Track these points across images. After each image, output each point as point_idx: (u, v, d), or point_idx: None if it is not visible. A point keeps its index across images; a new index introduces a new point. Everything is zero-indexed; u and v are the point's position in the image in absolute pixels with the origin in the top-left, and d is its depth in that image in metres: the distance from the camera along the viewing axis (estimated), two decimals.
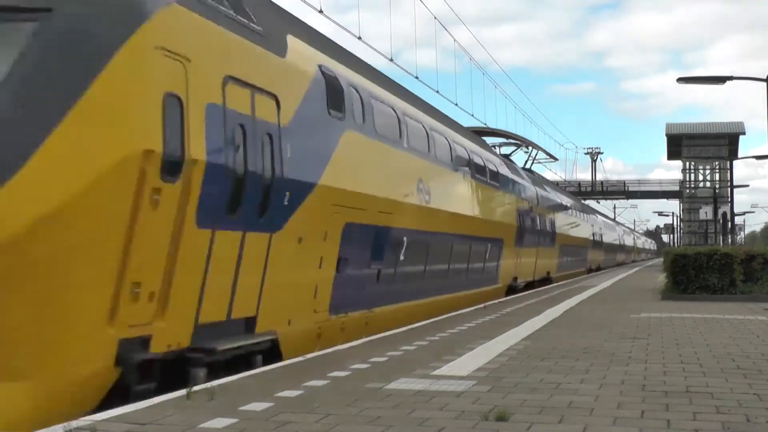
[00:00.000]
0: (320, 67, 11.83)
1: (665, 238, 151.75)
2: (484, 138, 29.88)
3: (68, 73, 7.29)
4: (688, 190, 79.78)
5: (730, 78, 24.26)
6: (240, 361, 9.13)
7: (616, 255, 73.71)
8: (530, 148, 38.94)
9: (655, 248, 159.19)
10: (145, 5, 7.85)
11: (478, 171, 21.19)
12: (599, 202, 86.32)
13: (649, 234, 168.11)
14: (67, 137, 7.09)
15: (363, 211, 12.87)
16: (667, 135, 79.90)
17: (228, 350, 8.84)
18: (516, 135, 37.21)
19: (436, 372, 8.60)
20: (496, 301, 21.64)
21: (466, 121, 30.39)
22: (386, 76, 16.74)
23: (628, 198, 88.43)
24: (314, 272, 11.39)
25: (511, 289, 26.02)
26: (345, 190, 12.09)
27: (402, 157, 15.11)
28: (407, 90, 17.95)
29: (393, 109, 15.08)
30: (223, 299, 9.04)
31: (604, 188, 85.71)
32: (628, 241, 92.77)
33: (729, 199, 60.64)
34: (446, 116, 21.22)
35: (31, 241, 6.83)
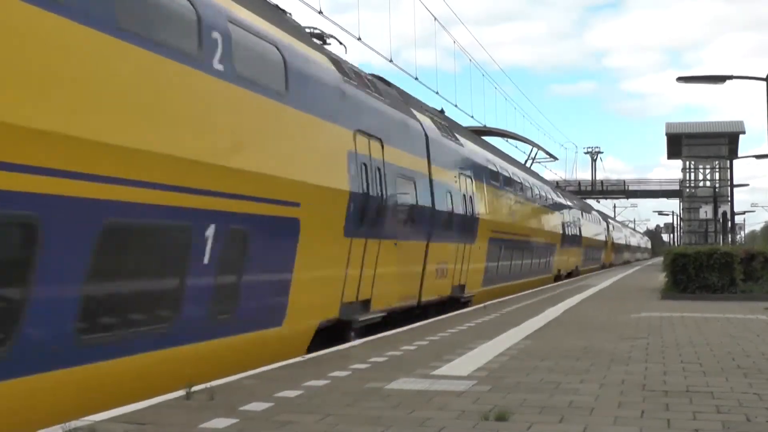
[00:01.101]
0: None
1: (665, 237, 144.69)
2: (486, 138, 29.96)
3: None
4: (688, 190, 79.80)
5: (730, 77, 24.25)
6: None
7: (544, 259, 33.32)
8: (531, 147, 38.94)
9: (650, 247, 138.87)
10: None
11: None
12: (599, 202, 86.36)
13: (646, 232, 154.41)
14: None
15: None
16: (667, 134, 79.92)
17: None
18: (516, 134, 37.21)
19: (437, 372, 8.60)
20: (495, 300, 21.65)
21: (466, 123, 30.38)
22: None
23: (628, 197, 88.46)
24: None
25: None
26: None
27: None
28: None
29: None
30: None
31: (604, 188, 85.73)
32: (590, 230, 51.34)
33: (729, 199, 60.63)
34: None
35: None
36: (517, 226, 26.96)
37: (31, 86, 6.37)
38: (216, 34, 8.94)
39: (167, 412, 6.41)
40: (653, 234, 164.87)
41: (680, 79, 25.03)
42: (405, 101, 17.56)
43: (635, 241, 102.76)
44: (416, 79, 23.64)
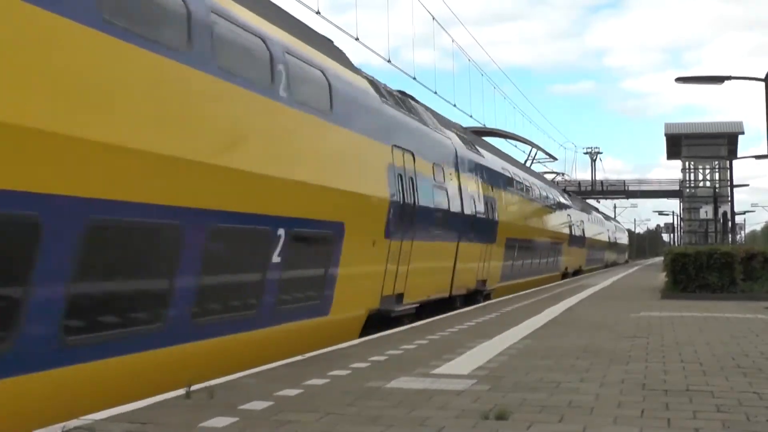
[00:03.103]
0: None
1: (666, 237, 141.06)
2: (485, 138, 30.02)
3: None
4: (688, 190, 79.81)
5: (729, 78, 24.18)
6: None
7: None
8: (530, 147, 38.95)
9: (625, 242, 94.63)
10: None
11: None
12: (599, 202, 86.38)
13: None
14: None
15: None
16: (666, 135, 79.93)
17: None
18: (515, 135, 37.20)
19: (437, 371, 8.60)
20: (495, 300, 21.68)
21: (466, 122, 30.36)
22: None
23: (628, 197, 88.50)
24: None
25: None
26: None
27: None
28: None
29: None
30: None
31: (604, 188, 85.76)
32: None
33: (729, 199, 60.60)
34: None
35: None
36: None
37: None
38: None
39: (167, 412, 6.41)
40: (652, 234, 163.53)
41: (679, 79, 24.96)
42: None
43: (576, 224, 45.91)
44: (414, 78, 23.64)
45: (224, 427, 5.87)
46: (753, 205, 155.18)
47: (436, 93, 26.48)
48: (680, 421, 6.11)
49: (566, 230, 40.15)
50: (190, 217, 8.44)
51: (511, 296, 23.46)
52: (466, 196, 20.45)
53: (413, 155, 16.17)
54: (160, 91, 8.13)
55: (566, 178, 69.68)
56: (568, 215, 41.73)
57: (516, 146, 42.27)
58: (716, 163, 77.74)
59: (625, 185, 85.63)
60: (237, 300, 9.81)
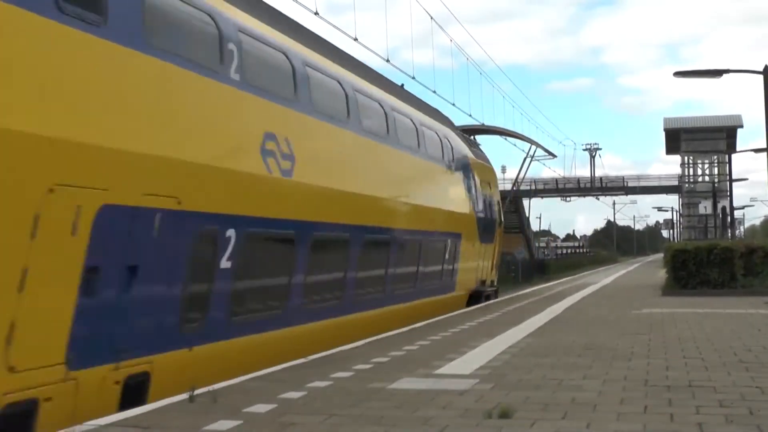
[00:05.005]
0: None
1: (665, 233, 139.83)
2: (484, 136, 30.15)
3: None
4: (687, 185, 79.77)
5: (727, 71, 24.11)
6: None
7: None
8: (530, 145, 38.94)
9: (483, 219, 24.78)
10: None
11: None
12: (599, 199, 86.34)
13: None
14: None
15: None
16: (665, 130, 79.86)
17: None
18: (515, 132, 37.19)
19: (439, 371, 8.61)
20: (499, 299, 21.74)
21: (464, 121, 30.36)
22: None
23: (627, 194, 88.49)
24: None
25: None
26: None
27: None
28: None
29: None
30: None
31: (604, 184, 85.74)
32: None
33: (728, 193, 60.70)
34: None
35: None
36: None
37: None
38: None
39: (171, 416, 6.42)
40: (652, 231, 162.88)
41: (677, 73, 24.88)
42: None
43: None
44: (413, 78, 23.65)
45: (228, 431, 5.88)
46: (752, 199, 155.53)
47: (435, 92, 26.51)
48: (683, 417, 6.12)
49: None
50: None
51: (511, 296, 23.48)
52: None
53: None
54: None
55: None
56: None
57: (515, 144, 42.23)
58: (715, 157, 77.72)
59: (624, 181, 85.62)
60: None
